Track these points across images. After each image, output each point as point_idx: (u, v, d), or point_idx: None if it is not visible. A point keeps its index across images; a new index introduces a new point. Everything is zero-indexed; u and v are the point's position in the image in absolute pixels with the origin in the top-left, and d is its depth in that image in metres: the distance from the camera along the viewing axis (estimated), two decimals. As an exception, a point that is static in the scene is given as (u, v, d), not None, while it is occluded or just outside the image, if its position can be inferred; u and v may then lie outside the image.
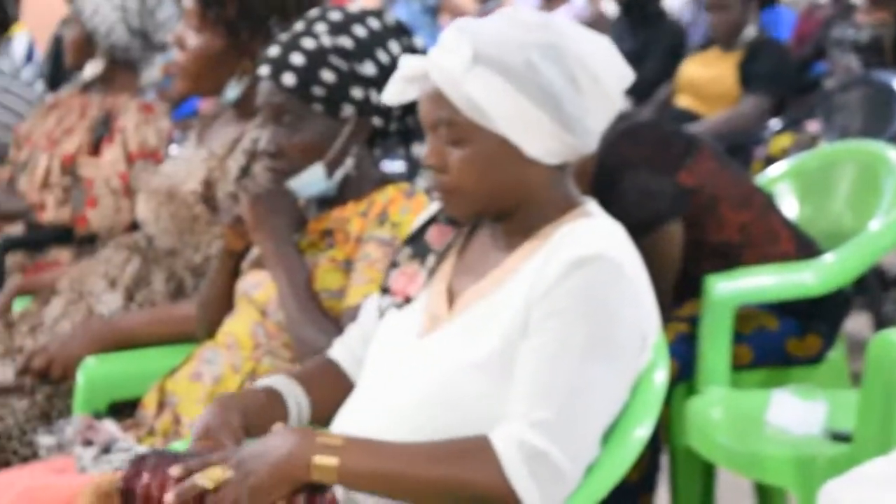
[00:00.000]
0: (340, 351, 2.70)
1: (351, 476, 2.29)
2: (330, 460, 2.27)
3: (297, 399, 2.58)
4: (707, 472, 3.68)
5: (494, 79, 2.32)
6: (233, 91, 3.50)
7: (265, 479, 2.28)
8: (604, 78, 2.39)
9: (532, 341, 2.30)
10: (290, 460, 2.28)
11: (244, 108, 3.50)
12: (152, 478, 2.38)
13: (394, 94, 2.50)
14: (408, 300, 2.56)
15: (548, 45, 2.34)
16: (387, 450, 2.32)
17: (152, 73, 4.53)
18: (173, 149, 4.17)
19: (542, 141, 2.36)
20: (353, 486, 2.31)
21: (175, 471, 2.30)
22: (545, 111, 2.33)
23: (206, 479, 2.28)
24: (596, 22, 8.02)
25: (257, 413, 2.52)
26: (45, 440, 3.09)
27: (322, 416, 2.59)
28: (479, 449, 2.26)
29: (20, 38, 6.08)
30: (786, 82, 6.51)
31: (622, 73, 2.43)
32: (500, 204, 2.43)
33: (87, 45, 4.46)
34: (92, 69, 4.46)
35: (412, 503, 2.31)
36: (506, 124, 2.34)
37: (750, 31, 6.40)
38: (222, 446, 2.39)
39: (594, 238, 2.37)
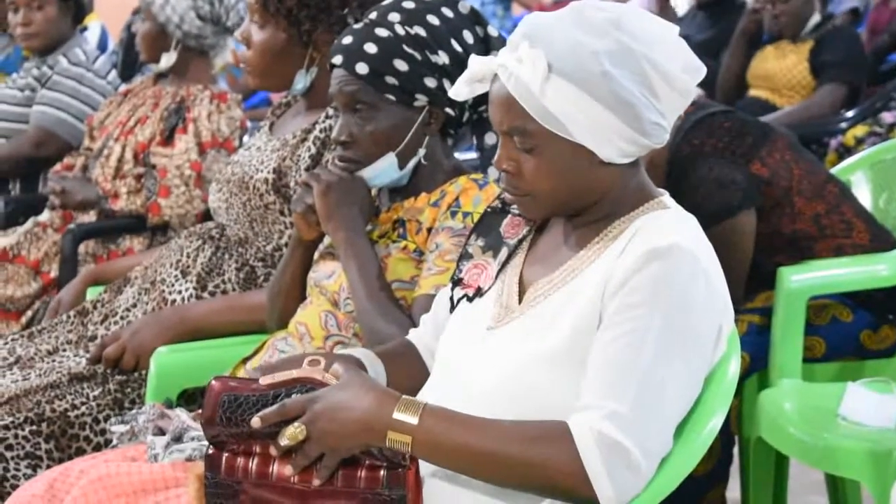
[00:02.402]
0: (416, 338, 2.71)
1: (425, 441, 2.29)
2: (409, 416, 2.29)
3: (376, 371, 2.59)
4: (779, 465, 3.66)
5: (570, 89, 2.32)
6: (301, 81, 3.51)
7: (340, 438, 2.32)
8: (677, 76, 2.38)
9: (607, 333, 2.29)
10: (366, 417, 2.30)
11: (314, 98, 3.50)
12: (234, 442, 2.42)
13: (462, 91, 2.49)
14: (479, 292, 2.56)
15: (620, 52, 2.33)
16: (465, 421, 2.32)
17: (223, 57, 4.55)
18: (246, 138, 4.18)
19: (616, 144, 2.36)
20: (427, 452, 2.31)
21: (255, 422, 2.33)
22: (621, 118, 2.33)
23: (286, 437, 2.32)
24: (667, 12, 7.99)
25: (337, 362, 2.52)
26: (117, 428, 3.11)
27: None
28: (557, 433, 2.25)
29: (94, 27, 6.09)
30: (859, 71, 6.45)
31: (695, 68, 2.41)
32: (574, 204, 2.43)
33: (160, 37, 4.49)
34: (166, 61, 4.49)
35: (483, 479, 2.32)
36: (582, 133, 2.34)
37: (815, 20, 6.36)
38: (311, 384, 2.40)
39: (669, 230, 2.37)
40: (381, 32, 2.97)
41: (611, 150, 2.36)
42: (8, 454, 3.20)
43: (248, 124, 4.39)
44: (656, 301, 2.29)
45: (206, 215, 3.99)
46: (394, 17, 2.99)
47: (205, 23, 4.44)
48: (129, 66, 6.79)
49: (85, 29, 5.48)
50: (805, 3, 6.34)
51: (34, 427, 3.25)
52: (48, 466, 3.17)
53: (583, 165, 2.38)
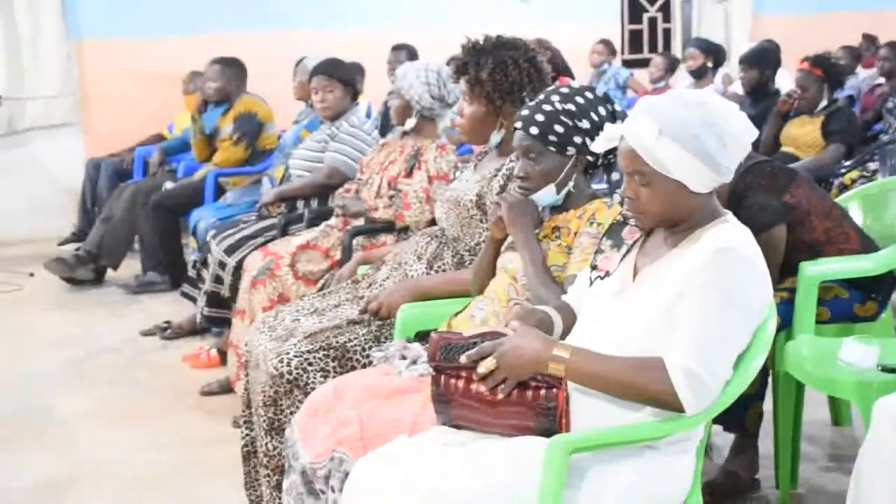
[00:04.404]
0: (569, 300, 2.69)
1: (573, 370, 2.32)
2: (563, 353, 2.33)
3: (557, 320, 2.61)
4: (798, 389, 3.58)
5: (673, 146, 2.32)
6: (495, 138, 3.49)
7: (518, 368, 2.35)
8: (740, 136, 2.38)
9: (690, 301, 2.28)
10: (536, 355, 2.34)
11: (503, 148, 3.49)
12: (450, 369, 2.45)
13: (600, 145, 2.51)
14: (608, 274, 2.56)
15: (707, 121, 2.33)
16: (597, 356, 2.35)
17: (444, 122, 4.56)
18: (458, 173, 4.18)
19: (702, 181, 2.36)
20: (573, 376, 2.33)
21: (463, 359, 2.39)
22: (706, 164, 2.34)
23: (482, 367, 2.37)
24: (729, 96, 7.89)
25: (541, 322, 2.57)
26: (376, 355, 3.14)
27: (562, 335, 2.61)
28: (656, 365, 2.27)
29: (363, 103, 6.13)
30: (854, 136, 6.32)
31: (751, 131, 2.39)
32: (672, 219, 2.43)
33: (406, 109, 4.50)
34: (409, 124, 4.50)
35: (607, 393, 2.33)
36: (680, 174, 2.34)
37: (824, 103, 6.23)
38: (497, 335, 2.43)
39: (731, 236, 2.36)
40: (547, 107, 2.96)
41: (698, 184, 2.36)
42: (309, 368, 3.23)
43: (459, 165, 4.39)
44: (721, 281, 2.28)
45: (432, 222, 3.99)
46: (554, 97, 2.97)
47: (434, 100, 4.44)
48: (385, 126, 6.84)
49: (357, 104, 5.50)
50: (818, 92, 6.21)
51: (325, 352, 3.28)
52: (333, 377, 3.19)
53: (679, 194, 2.37)
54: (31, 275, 7.27)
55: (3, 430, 4.58)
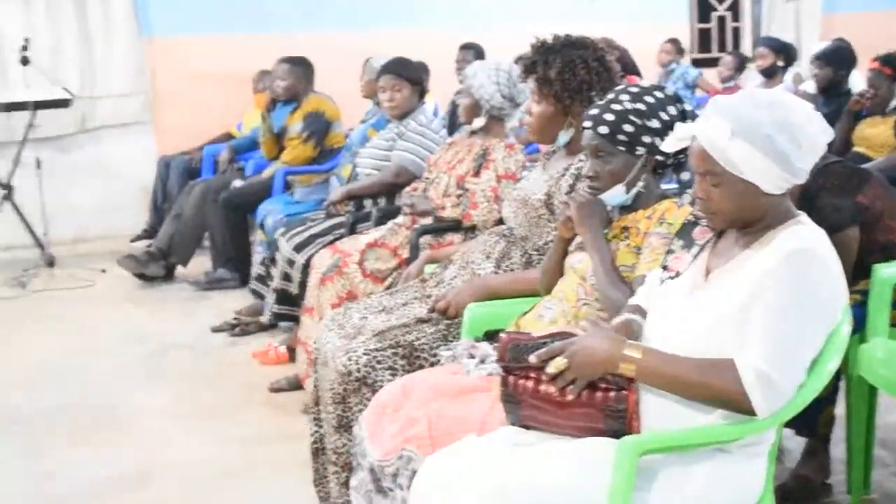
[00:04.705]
0: (638, 301, 2.67)
1: (644, 370, 2.30)
2: (634, 353, 2.31)
3: (639, 322, 2.57)
4: (871, 393, 3.52)
5: (746, 146, 2.29)
6: (563, 137, 3.47)
7: (588, 368, 2.33)
8: (816, 137, 2.34)
9: (764, 303, 2.25)
10: (606, 355, 2.33)
11: (571, 148, 3.47)
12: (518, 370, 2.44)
13: (670, 145, 2.49)
14: (678, 274, 2.53)
15: (780, 122, 2.30)
16: (668, 357, 2.32)
17: (513, 122, 4.55)
18: (525, 173, 4.16)
19: (774, 182, 2.33)
20: (644, 377, 2.31)
21: (532, 359, 2.38)
22: (779, 165, 2.30)
23: (552, 367, 2.35)
24: (800, 95, 7.79)
25: (632, 332, 2.53)
26: (444, 354, 3.14)
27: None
28: (727, 367, 2.24)
29: (429, 101, 6.13)
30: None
31: (826, 132, 2.35)
32: (745, 220, 2.40)
33: (475, 108, 4.49)
34: (478, 123, 4.49)
35: (678, 395, 2.31)
36: (752, 175, 2.31)
37: (894, 103, 6.15)
38: (567, 335, 2.42)
39: (805, 237, 2.33)
40: (616, 107, 2.94)
41: (771, 185, 2.32)
42: (377, 366, 3.24)
43: (527, 164, 4.37)
44: (796, 283, 2.25)
45: (500, 221, 3.98)
46: (624, 97, 2.95)
47: (504, 100, 4.44)
48: (452, 126, 6.85)
49: (424, 103, 5.51)
50: (888, 92, 6.13)
51: (393, 350, 3.28)
52: (401, 375, 3.20)
53: (752, 195, 2.34)
54: (103, 271, 7.36)
55: (75, 425, 4.64)
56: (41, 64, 7.78)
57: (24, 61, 7.45)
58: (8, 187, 7.72)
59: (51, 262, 7.62)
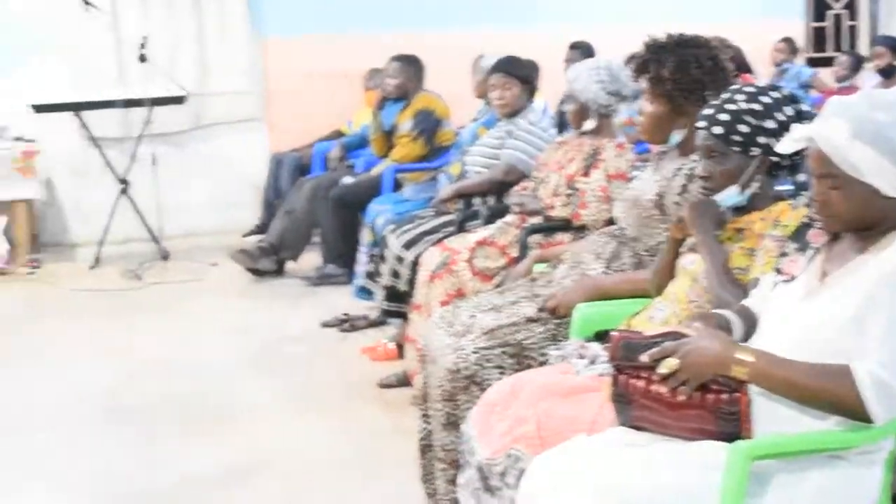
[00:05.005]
0: (750, 304, 2.63)
1: (756, 373, 2.27)
2: (747, 356, 2.29)
3: (736, 325, 2.55)
4: None
5: (866, 149, 2.26)
6: (676, 137, 3.44)
7: (700, 369, 2.31)
8: None
9: (879, 307, 2.21)
10: (719, 356, 2.31)
11: (684, 148, 3.43)
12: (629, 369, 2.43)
13: (787, 147, 2.45)
14: (793, 278, 2.49)
15: None
16: (781, 361, 2.29)
17: (620, 117, 4.52)
18: (636, 172, 4.14)
19: (894, 185, 2.27)
20: (757, 380, 2.29)
21: (644, 358, 2.37)
22: None
23: (664, 367, 2.34)
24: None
25: (719, 326, 2.51)
26: (553, 353, 3.14)
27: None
28: (843, 373, 2.20)
29: (539, 101, 6.13)
30: None
31: None
32: (863, 224, 2.35)
33: (582, 112, 4.47)
34: (589, 125, 4.46)
35: (791, 399, 2.28)
36: (872, 177, 2.27)
37: None
38: (679, 335, 2.40)
39: None
40: (731, 106, 2.90)
41: (890, 188, 2.27)
42: (486, 364, 3.26)
43: (637, 163, 4.34)
44: None
45: (610, 221, 3.96)
46: (739, 97, 2.91)
47: (611, 96, 4.41)
48: (561, 125, 6.82)
49: (533, 102, 5.51)
50: None
51: (502, 349, 3.29)
52: (509, 374, 3.20)
53: (871, 198, 2.29)
54: (215, 265, 7.50)
55: (187, 416, 4.74)
56: (158, 62, 7.93)
57: (142, 59, 7.61)
58: (125, 182, 7.90)
59: (165, 256, 7.79)
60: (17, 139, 7.89)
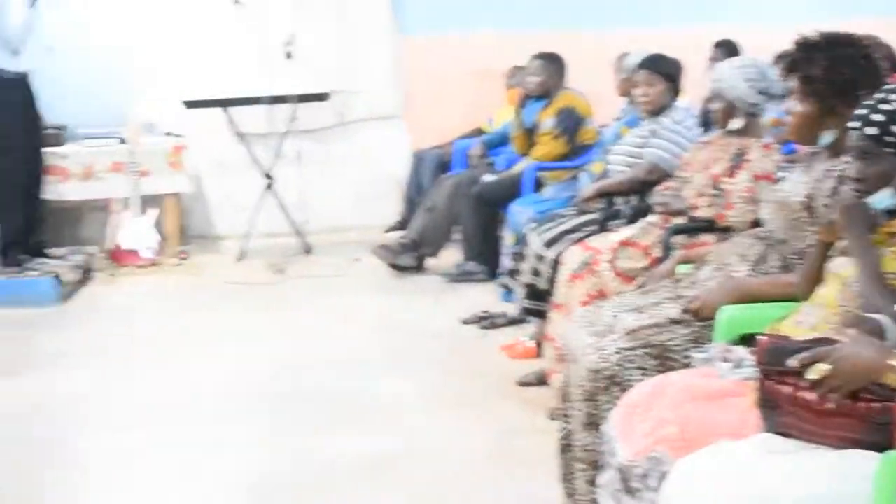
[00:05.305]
0: None
1: None
2: None
3: (891, 330, 2.48)
4: None
5: None
6: (827, 138, 3.36)
7: (852, 375, 2.25)
8: None
9: None
10: (872, 363, 2.24)
11: (835, 149, 3.35)
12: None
13: None
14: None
15: None
16: None
17: (768, 116, 4.44)
18: (783, 174, 4.06)
19: None
20: None
21: (792, 362, 2.30)
22: None
23: (814, 372, 2.27)
24: None
25: (872, 331, 2.45)
26: (697, 356, 3.10)
27: None
28: None
29: (682, 100, 6.05)
30: None
31: None
32: None
33: (729, 111, 4.39)
34: (736, 125, 4.39)
35: None
36: None
37: None
38: (830, 341, 2.35)
39: None
40: (885, 106, 2.82)
41: None
42: (628, 365, 3.24)
43: (784, 164, 4.26)
44: None
45: (755, 222, 3.89)
46: (894, 96, 2.82)
47: (760, 95, 4.34)
48: (705, 124, 6.73)
49: (676, 101, 5.46)
50: None
51: (645, 350, 3.27)
52: (651, 375, 3.17)
53: None
54: (358, 260, 7.60)
55: (329, 409, 4.82)
56: (303, 59, 8.07)
57: (288, 56, 7.75)
58: (270, 177, 8.07)
59: (308, 250, 7.93)
60: (168, 134, 8.12)
